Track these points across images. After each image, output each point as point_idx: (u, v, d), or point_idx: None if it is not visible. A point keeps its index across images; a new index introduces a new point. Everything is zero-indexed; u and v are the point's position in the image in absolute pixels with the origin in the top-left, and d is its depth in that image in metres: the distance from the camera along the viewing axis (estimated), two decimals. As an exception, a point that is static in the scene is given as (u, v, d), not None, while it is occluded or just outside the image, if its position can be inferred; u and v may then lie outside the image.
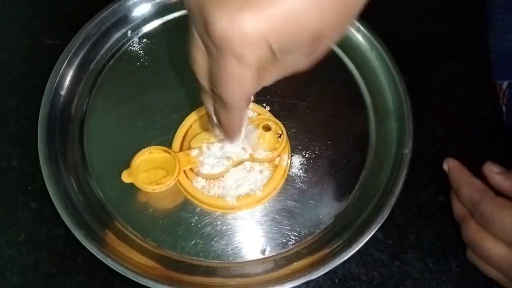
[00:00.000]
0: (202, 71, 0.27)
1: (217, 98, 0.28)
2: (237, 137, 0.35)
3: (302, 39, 0.23)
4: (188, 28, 0.26)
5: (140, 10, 0.48)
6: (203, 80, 0.28)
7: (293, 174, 0.41)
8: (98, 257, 0.34)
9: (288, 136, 0.41)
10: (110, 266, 0.34)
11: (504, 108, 0.45)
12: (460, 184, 0.36)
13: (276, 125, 0.39)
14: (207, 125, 0.38)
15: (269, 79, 0.27)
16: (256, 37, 0.22)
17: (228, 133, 0.33)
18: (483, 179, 0.36)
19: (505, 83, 0.44)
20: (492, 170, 0.35)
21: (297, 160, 0.41)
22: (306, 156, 0.42)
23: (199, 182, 0.39)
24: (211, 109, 0.31)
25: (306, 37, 0.23)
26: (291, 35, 0.23)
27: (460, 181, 0.37)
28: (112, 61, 0.46)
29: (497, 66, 0.45)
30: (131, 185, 0.37)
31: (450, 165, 0.38)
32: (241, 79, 0.25)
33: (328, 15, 0.23)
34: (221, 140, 0.39)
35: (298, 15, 0.22)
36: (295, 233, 0.38)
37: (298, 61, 0.26)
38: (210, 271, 0.37)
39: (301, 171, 0.41)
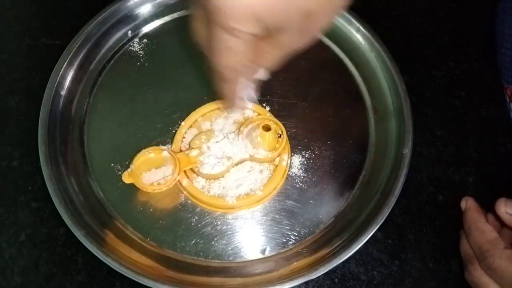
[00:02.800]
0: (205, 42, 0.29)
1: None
2: (234, 108, 0.37)
3: (293, 15, 0.24)
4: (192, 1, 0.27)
5: (140, 10, 0.48)
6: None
7: (293, 174, 0.41)
8: (99, 257, 0.34)
9: (288, 136, 0.41)
10: (111, 266, 0.34)
11: None
12: (472, 228, 0.36)
13: (276, 125, 0.39)
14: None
15: (267, 61, 0.28)
16: (247, 12, 0.23)
17: (225, 103, 0.35)
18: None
19: None
20: (507, 212, 0.34)
21: (297, 160, 0.41)
22: (306, 156, 0.42)
23: (199, 182, 0.39)
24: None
25: (297, 14, 0.24)
26: (282, 10, 0.24)
27: (472, 225, 0.36)
28: (112, 61, 0.46)
29: (509, 70, 0.44)
30: (131, 185, 0.37)
31: (467, 205, 0.38)
32: (229, 51, 0.26)
33: None
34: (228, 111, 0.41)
35: None
36: (295, 233, 0.38)
37: (293, 41, 0.27)
38: (210, 271, 0.37)
39: (301, 171, 0.41)
